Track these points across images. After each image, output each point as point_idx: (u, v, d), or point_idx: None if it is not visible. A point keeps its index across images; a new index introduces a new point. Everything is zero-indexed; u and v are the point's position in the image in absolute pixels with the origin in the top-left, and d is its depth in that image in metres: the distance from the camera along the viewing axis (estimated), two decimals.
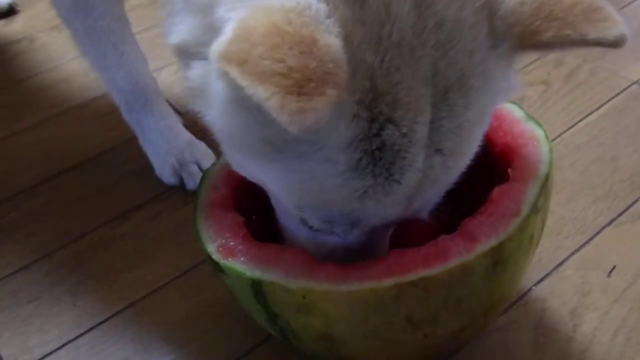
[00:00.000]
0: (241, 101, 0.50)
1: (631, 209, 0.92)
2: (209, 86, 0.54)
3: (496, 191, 0.61)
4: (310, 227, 0.61)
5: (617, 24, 0.51)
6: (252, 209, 0.72)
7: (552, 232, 0.89)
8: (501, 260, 0.57)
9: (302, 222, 0.62)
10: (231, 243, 0.62)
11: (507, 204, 0.59)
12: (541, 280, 0.83)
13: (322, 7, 0.48)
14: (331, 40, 0.47)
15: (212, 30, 0.51)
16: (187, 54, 0.57)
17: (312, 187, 0.55)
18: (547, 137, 0.67)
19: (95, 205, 1.00)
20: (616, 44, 0.51)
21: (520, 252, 0.60)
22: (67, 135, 1.14)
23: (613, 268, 0.84)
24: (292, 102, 0.43)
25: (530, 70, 1.17)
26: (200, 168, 1.00)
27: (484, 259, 0.56)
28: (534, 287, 0.82)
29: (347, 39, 0.48)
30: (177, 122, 1.04)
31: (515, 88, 0.58)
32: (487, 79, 0.54)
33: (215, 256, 0.62)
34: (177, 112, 1.14)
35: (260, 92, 0.43)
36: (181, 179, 1.00)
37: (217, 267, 0.62)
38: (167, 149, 1.01)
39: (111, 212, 0.99)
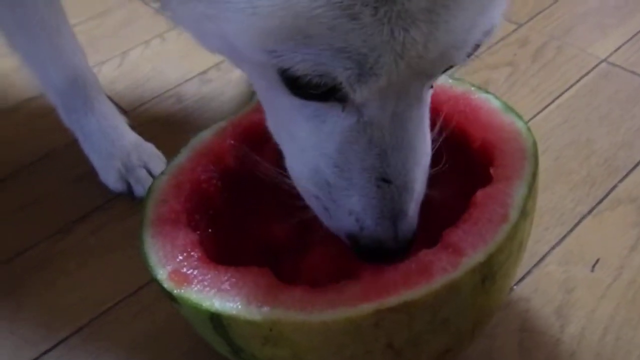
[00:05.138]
0: None
1: (610, 196, 0.87)
2: None
3: (479, 194, 0.54)
4: (305, 95, 0.48)
5: None
6: (206, 223, 0.65)
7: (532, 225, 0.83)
8: (490, 275, 0.51)
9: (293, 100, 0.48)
10: (184, 269, 0.55)
11: (493, 209, 0.52)
12: (523, 278, 0.78)
13: None
14: None
15: None
16: None
17: (277, 5, 0.42)
18: (529, 129, 0.61)
19: (33, 219, 0.91)
20: None
21: (509, 262, 0.53)
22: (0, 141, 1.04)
23: (597, 261, 0.79)
24: None
25: (495, 51, 1.11)
26: (149, 172, 0.92)
27: (471, 276, 0.49)
28: (515, 287, 0.77)
29: None
30: (121, 122, 0.95)
31: None
32: None
33: (167, 284, 0.54)
34: (122, 110, 1.06)
35: None
36: (129, 185, 0.92)
37: (170, 297, 0.54)
38: (112, 152, 0.92)
39: (51, 225, 0.89)
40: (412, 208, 0.53)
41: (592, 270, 0.79)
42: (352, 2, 0.41)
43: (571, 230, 0.83)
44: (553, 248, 0.81)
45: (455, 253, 0.50)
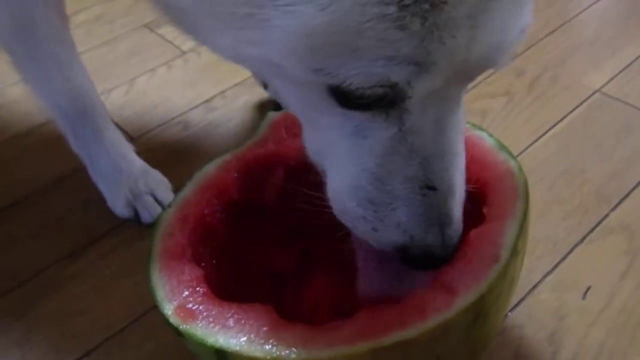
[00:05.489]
0: None
1: (602, 224, 0.90)
2: None
3: (473, 234, 0.57)
4: (352, 106, 0.48)
5: None
6: (211, 254, 0.67)
7: (526, 253, 0.86)
8: (482, 313, 0.54)
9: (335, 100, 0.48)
10: (190, 304, 0.57)
11: (485, 249, 0.55)
12: (517, 305, 0.80)
13: None
14: None
15: None
16: None
17: (326, 24, 0.43)
18: (520, 168, 0.64)
19: (43, 244, 0.93)
20: None
21: (501, 299, 0.56)
22: (10, 167, 1.07)
23: (588, 288, 0.82)
24: None
25: (492, 81, 1.15)
26: (155, 199, 0.95)
27: (464, 315, 0.52)
28: (509, 314, 0.80)
29: None
30: (128, 150, 0.98)
31: None
32: None
33: (173, 320, 0.57)
34: (129, 137, 1.09)
35: None
36: (135, 211, 0.95)
37: (176, 331, 0.57)
38: (119, 179, 0.95)
39: (61, 250, 0.92)
40: (457, 212, 0.54)
41: (584, 298, 0.81)
42: (402, 13, 0.43)
43: (564, 258, 0.86)
44: (546, 276, 0.84)
45: (449, 293, 0.53)
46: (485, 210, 0.60)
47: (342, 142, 0.53)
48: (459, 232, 0.55)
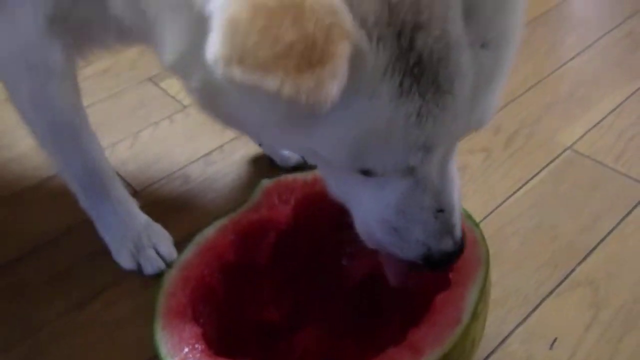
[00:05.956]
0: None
1: (570, 277, 0.97)
2: (216, 86, 0.52)
3: (439, 298, 0.65)
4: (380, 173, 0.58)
5: None
6: (210, 311, 0.75)
7: (498, 305, 0.93)
8: None
9: (365, 175, 0.59)
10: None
11: (449, 312, 0.63)
12: (487, 357, 0.87)
13: None
14: None
15: (201, 31, 0.48)
16: (185, 65, 0.56)
17: (365, 132, 0.53)
18: (483, 237, 0.72)
19: (53, 294, 1.00)
20: None
21: (463, 357, 0.64)
22: (21, 219, 1.14)
23: (555, 340, 0.89)
24: (307, 79, 0.41)
25: (472, 137, 1.22)
26: (157, 252, 1.02)
27: None
28: None
29: None
30: (133, 206, 1.06)
31: None
32: None
33: None
34: (133, 190, 1.17)
35: (271, 84, 0.41)
36: (139, 264, 1.02)
37: None
38: (124, 234, 1.03)
39: (69, 300, 0.99)
40: (458, 220, 0.66)
41: (551, 348, 0.88)
42: (424, 117, 0.52)
43: (533, 310, 0.93)
44: (516, 328, 0.91)
45: (417, 352, 0.60)
46: (450, 275, 0.68)
47: (364, 192, 0.64)
48: (461, 232, 0.67)
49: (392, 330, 0.71)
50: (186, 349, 0.66)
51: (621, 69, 1.40)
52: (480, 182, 1.15)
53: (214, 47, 0.43)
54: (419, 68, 0.50)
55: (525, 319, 0.92)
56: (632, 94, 1.32)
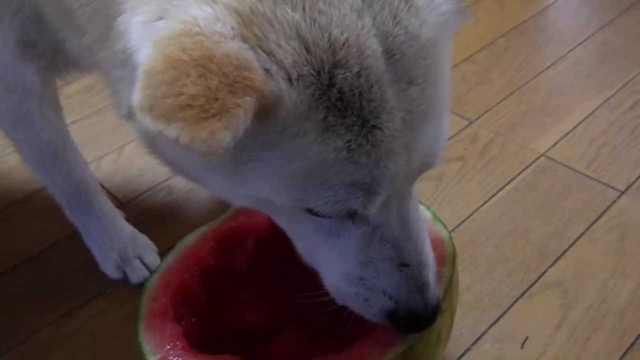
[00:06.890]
0: None
1: (540, 280, 1.01)
2: (150, 135, 0.55)
3: None
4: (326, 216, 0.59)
5: None
6: (190, 314, 0.78)
7: (473, 307, 0.97)
8: None
9: (316, 225, 0.60)
10: (171, 356, 0.68)
11: None
12: (462, 355, 0.91)
13: (210, 14, 0.47)
14: (228, 46, 0.46)
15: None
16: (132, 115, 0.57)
17: (297, 169, 0.54)
18: (451, 238, 0.75)
19: (41, 305, 1.03)
20: None
21: (429, 349, 0.67)
22: (8, 233, 1.17)
23: (526, 339, 0.93)
24: (201, 130, 0.42)
25: (448, 146, 1.25)
26: (142, 262, 1.05)
27: None
28: None
29: (246, 26, 0.47)
30: (119, 218, 1.09)
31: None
32: None
33: None
34: (119, 202, 1.20)
35: (170, 132, 0.43)
36: (125, 274, 1.05)
37: None
38: (110, 246, 1.06)
39: (57, 310, 1.02)
40: (432, 279, 0.65)
41: (522, 347, 0.92)
42: (351, 153, 0.53)
43: (505, 311, 0.97)
44: (489, 328, 0.94)
45: (385, 345, 0.64)
46: None
47: (323, 244, 0.65)
48: (436, 294, 0.66)
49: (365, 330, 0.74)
50: (167, 346, 0.69)
51: (593, 79, 1.45)
52: (456, 190, 1.19)
53: (134, 95, 0.46)
54: (342, 103, 0.51)
55: (497, 320, 0.95)
56: (603, 103, 1.36)
